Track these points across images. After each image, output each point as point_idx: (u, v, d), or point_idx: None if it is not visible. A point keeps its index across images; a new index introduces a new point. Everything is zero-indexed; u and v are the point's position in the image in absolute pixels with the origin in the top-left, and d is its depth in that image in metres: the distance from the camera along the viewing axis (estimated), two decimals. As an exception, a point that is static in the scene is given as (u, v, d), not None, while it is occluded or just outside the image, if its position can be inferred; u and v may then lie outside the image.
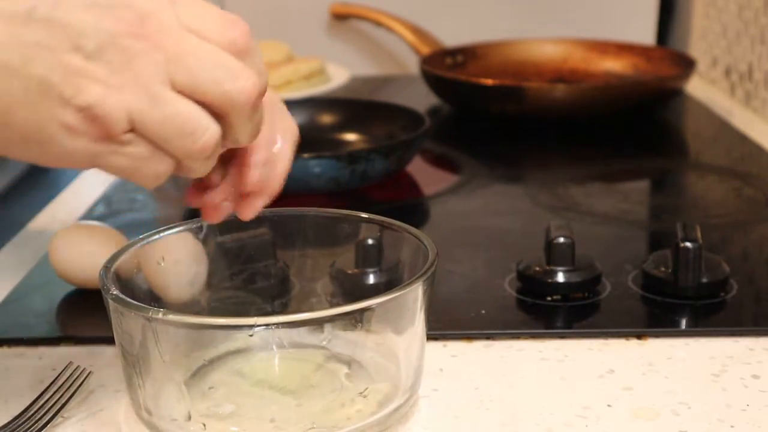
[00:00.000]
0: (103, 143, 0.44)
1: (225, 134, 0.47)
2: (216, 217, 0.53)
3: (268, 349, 0.53)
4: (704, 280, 0.65)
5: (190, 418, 0.50)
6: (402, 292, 0.49)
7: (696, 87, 1.29)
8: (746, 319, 0.64)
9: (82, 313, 0.66)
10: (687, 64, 1.17)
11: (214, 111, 0.46)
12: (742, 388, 0.56)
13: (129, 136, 0.44)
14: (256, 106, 0.46)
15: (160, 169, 0.46)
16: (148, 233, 0.57)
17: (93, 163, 0.45)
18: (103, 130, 0.43)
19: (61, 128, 0.43)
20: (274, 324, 0.48)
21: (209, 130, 0.45)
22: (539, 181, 0.94)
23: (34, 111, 0.43)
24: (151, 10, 0.44)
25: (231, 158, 0.52)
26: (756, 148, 1.03)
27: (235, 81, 0.45)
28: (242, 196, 0.53)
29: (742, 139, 1.06)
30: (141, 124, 0.44)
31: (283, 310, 0.62)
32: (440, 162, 1.03)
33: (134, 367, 0.50)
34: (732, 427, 0.52)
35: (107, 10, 0.43)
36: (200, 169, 0.47)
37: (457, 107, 1.18)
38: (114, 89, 0.43)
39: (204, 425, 0.49)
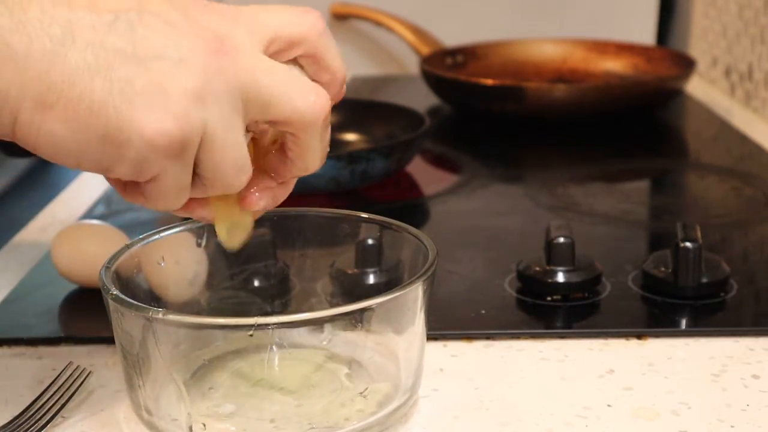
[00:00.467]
0: (173, 160, 0.43)
1: (295, 161, 0.48)
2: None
3: (268, 349, 0.53)
4: (704, 280, 0.65)
5: (190, 418, 0.50)
6: (402, 292, 0.49)
7: (696, 87, 1.29)
8: (746, 319, 0.64)
9: (82, 313, 0.66)
10: (687, 64, 1.17)
11: (287, 133, 0.47)
12: (742, 388, 0.56)
13: (190, 160, 0.44)
14: (326, 123, 0.47)
15: (182, 196, 0.46)
16: (148, 233, 0.57)
17: (152, 176, 0.44)
18: (181, 145, 0.43)
19: (141, 133, 0.42)
20: (274, 324, 0.48)
21: (250, 170, 0.46)
22: (539, 181, 0.94)
23: (116, 113, 0.42)
24: (227, 30, 0.45)
25: None
26: (756, 148, 1.03)
27: (306, 97, 0.46)
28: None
29: (742, 139, 1.06)
30: (206, 146, 0.44)
31: (283, 310, 0.62)
32: (440, 162, 1.03)
33: (134, 367, 0.50)
34: (732, 427, 0.52)
35: (187, 28, 0.44)
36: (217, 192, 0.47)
37: (457, 107, 1.18)
38: (196, 103, 0.43)
39: (204, 425, 0.49)
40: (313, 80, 0.48)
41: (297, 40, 0.48)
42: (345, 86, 0.52)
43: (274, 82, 0.45)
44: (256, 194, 0.50)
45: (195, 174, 0.45)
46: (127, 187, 0.47)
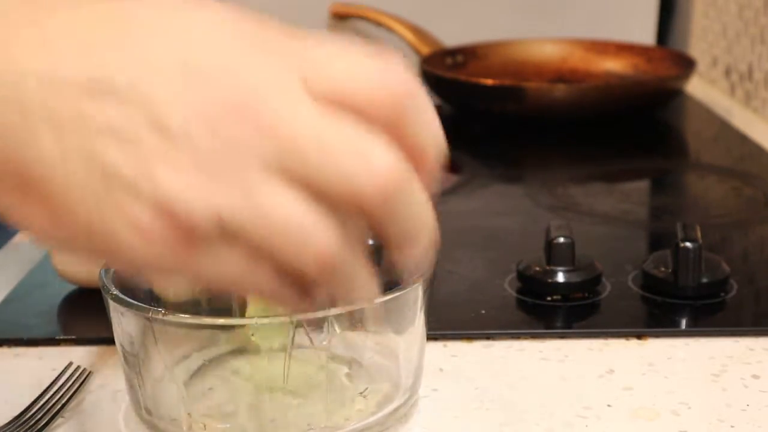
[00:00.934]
0: (186, 251, 0.34)
1: (383, 239, 0.37)
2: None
3: (267, 348, 0.53)
4: (704, 280, 0.65)
5: (190, 418, 0.50)
6: (402, 292, 0.49)
7: (696, 87, 1.29)
8: (746, 319, 0.64)
9: (82, 313, 0.66)
10: (687, 64, 1.17)
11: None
12: (742, 388, 0.56)
13: (217, 240, 0.34)
14: (404, 192, 0.36)
15: (265, 276, 0.35)
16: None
17: (187, 272, 0.35)
18: (183, 233, 0.33)
19: (128, 226, 0.33)
20: (274, 324, 0.48)
21: (325, 234, 0.34)
22: (539, 181, 0.94)
23: (97, 204, 0.33)
24: (261, 81, 0.34)
25: None
26: (756, 148, 1.02)
27: (364, 166, 0.34)
28: None
29: (742, 139, 1.06)
30: (235, 227, 0.33)
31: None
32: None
33: (134, 367, 0.50)
34: (732, 427, 0.52)
35: (203, 80, 0.33)
36: (328, 290, 0.37)
37: (457, 107, 1.18)
38: (202, 182, 0.33)
39: (204, 425, 0.49)
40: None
41: (366, 106, 0.35)
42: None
43: (319, 145, 0.33)
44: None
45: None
46: None
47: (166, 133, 0.33)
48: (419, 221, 0.37)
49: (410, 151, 0.37)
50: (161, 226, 0.33)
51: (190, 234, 0.33)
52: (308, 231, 0.34)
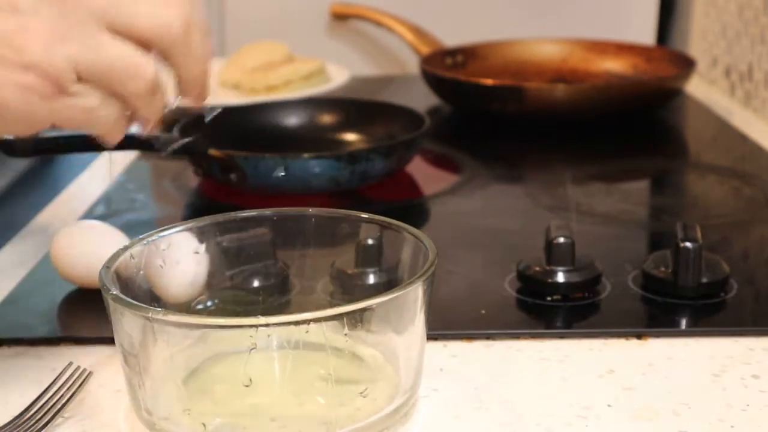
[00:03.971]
0: (56, 98, 0.46)
1: (177, 79, 0.52)
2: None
3: (267, 348, 0.53)
4: (704, 280, 0.65)
5: (190, 417, 0.50)
6: (402, 292, 0.49)
7: (696, 87, 1.29)
8: (746, 319, 0.64)
9: (82, 313, 0.66)
10: (687, 64, 1.17)
11: (155, 51, 0.50)
12: (742, 388, 0.56)
13: (79, 87, 0.47)
14: (189, 30, 0.50)
15: (111, 115, 0.49)
16: (148, 233, 0.57)
17: (50, 120, 0.47)
18: (54, 85, 0.46)
19: (13, 89, 0.45)
20: (274, 324, 0.48)
21: (150, 66, 0.49)
22: (539, 181, 0.94)
23: None
24: None
25: None
26: (756, 148, 1.03)
27: (167, 8, 0.49)
28: None
29: (742, 139, 1.06)
30: (87, 73, 0.47)
31: (283, 310, 0.62)
32: (440, 162, 1.03)
33: (134, 367, 0.50)
34: (732, 427, 0.52)
35: None
36: (151, 109, 0.50)
37: (457, 107, 1.18)
38: (56, 42, 0.46)
39: (204, 425, 0.49)
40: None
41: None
42: (205, 88, 0.55)
43: (132, 3, 0.48)
44: None
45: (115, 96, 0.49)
46: None
47: (21, 10, 0.45)
48: (201, 63, 0.52)
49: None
50: (35, 82, 0.45)
51: (57, 83, 0.46)
52: (139, 63, 0.48)
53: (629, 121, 1.12)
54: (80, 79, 0.47)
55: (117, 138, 0.51)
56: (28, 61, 0.45)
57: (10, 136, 0.72)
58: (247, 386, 0.50)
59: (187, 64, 0.51)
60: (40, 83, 0.46)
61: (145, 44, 0.49)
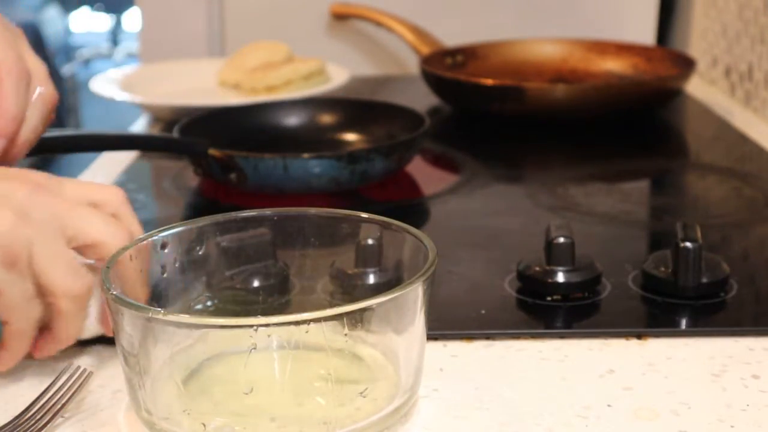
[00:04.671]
0: (8, 270, 0.51)
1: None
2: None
3: (267, 348, 0.53)
4: (704, 280, 0.65)
5: (189, 417, 0.50)
6: (402, 292, 0.49)
7: (696, 87, 1.29)
8: (746, 319, 0.64)
9: (82, 313, 0.66)
10: (687, 64, 1.17)
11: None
12: (742, 388, 0.56)
13: (26, 272, 0.52)
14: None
15: (35, 310, 0.54)
16: (148, 233, 0.57)
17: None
18: (10, 257, 0.51)
19: None
20: (273, 324, 0.48)
21: (88, 273, 0.54)
22: (539, 181, 0.94)
23: None
24: (43, 179, 0.55)
25: None
26: (756, 148, 1.03)
27: (106, 225, 0.56)
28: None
29: (742, 139, 1.06)
30: (36, 260, 0.52)
31: (283, 310, 0.62)
32: (440, 162, 1.03)
33: (134, 367, 0.50)
34: (732, 427, 0.52)
35: (11, 178, 0.54)
36: (72, 310, 0.54)
37: (457, 107, 1.18)
38: (20, 223, 0.51)
39: (204, 425, 0.49)
40: None
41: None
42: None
43: (85, 215, 0.55)
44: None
45: (42, 294, 0.53)
46: None
47: None
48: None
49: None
50: None
51: (13, 256, 0.51)
52: (80, 267, 0.55)
53: (629, 121, 1.12)
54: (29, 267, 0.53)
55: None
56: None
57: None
58: (246, 386, 0.50)
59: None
60: (2, 252, 0.51)
61: (88, 248, 0.55)
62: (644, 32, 1.43)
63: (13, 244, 0.51)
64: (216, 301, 0.60)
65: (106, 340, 0.60)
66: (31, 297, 0.53)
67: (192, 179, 0.93)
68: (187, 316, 0.55)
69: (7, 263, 0.51)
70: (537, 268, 0.66)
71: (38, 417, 0.52)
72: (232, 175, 0.84)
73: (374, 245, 0.61)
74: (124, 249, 0.54)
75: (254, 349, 0.51)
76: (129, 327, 0.49)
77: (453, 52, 1.28)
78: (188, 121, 0.94)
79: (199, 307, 0.60)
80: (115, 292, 0.49)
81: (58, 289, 0.53)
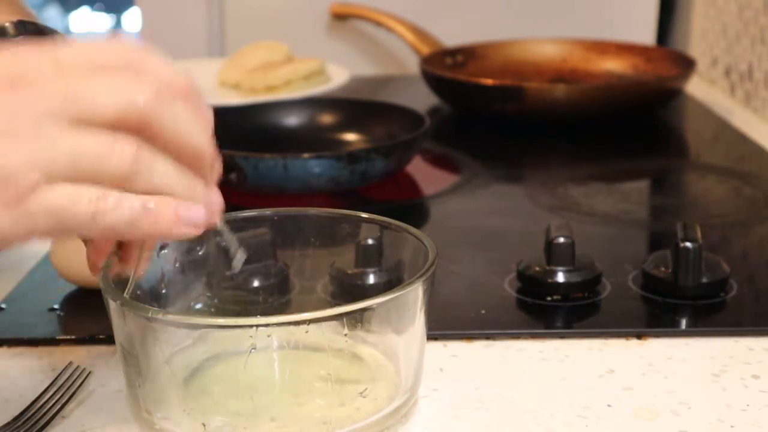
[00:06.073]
0: (19, 204, 0.42)
1: (169, 139, 0.44)
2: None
3: (267, 348, 0.53)
4: (704, 280, 0.65)
5: (189, 417, 0.50)
6: (402, 292, 0.49)
7: (696, 87, 1.29)
8: (746, 319, 0.64)
9: (82, 313, 0.66)
10: (687, 64, 1.17)
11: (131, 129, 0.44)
12: (742, 388, 0.56)
13: (46, 187, 0.42)
14: (162, 98, 0.44)
15: (90, 201, 0.43)
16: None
17: (18, 230, 0.42)
18: (15, 190, 0.41)
19: None
20: (273, 324, 0.48)
21: (124, 143, 0.43)
22: (539, 181, 0.94)
23: None
24: (24, 57, 0.43)
25: None
26: (756, 148, 1.03)
27: (128, 83, 0.43)
28: None
29: (742, 139, 1.06)
30: (50, 171, 0.42)
31: (283, 310, 0.62)
32: (440, 162, 1.03)
33: (134, 367, 0.50)
34: (732, 427, 0.52)
35: None
36: (140, 186, 0.44)
37: (457, 107, 1.18)
38: (10, 146, 0.41)
39: (204, 425, 0.49)
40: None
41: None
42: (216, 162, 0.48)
43: (89, 90, 0.43)
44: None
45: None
46: None
47: None
48: (192, 134, 0.46)
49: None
50: None
51: (17, 188, 0.41)
52: (107, 145, 0.43)
53: (629, 121, 1.12)
54: (49, 179, 0.42)
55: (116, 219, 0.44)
56: None
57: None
58: (246, 386, 0.50)
59: (174, 137, 0.45)
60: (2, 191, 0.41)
61: (118, 127, 0.43)
62: (644, 32, 1.43)
63: (11, 174, 0.42)
64: (216, 301, 0.60)
65: (106, 340, 0.61)
66: (75, 192, 0.43)
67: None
68: (187, 316, 0.55)
69: (14, 198, 0.42)
70: (537, 268, 0.66)
71: (38, 417, 0.52)
72: (232, 175, 0.84)
73: (374, 245, 0.61)
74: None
75: (254, 349, 0.51)
76: (129, 327, 0.49)
77: (453, 52, 1.28)
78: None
79: (199, 307, 0.60)
80: (115, 292, 0.49)
81: (102, 178, 0.43)
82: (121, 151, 0.43)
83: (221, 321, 0.52)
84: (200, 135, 0.46)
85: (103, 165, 0.43)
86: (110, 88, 0.43)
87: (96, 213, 0.43)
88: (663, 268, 0.66)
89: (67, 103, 0.42)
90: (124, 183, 0.44)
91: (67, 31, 5.06)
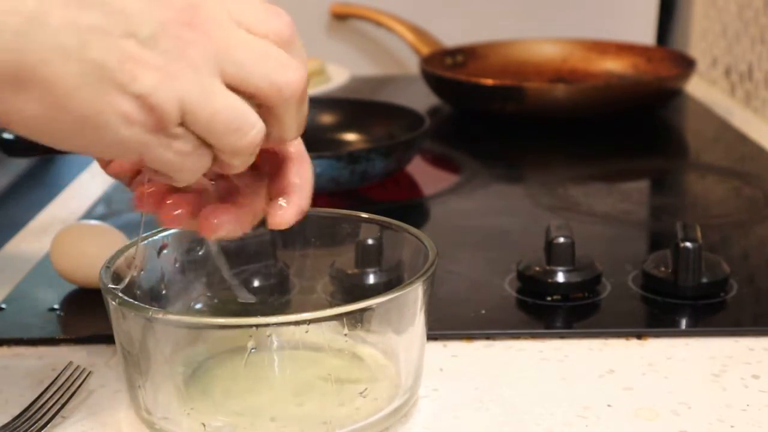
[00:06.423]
0: (155, 134, 0.43)
1: (271, 131, 0.47)
2: (209, 230, 0.50)
3: (267, 348, 0.53)
4: (704, 280, 0.65)
5: (190, 417, 0.50)
6: (402, 292, 0.49)
7: (696, 87, 1.29)
8: (746, 319, 0.64)
9: (82, 313, 0.66)
10: (687, 64, 1.17)
11: (261, 105, 0.45)
12: (742, 388, 0.56)
13: (179, 130, 0.43)
14: (303, 97, 0.47)
15: (200, 164, 0.45)
16: (148, 233, 0.57)
17: (141, 153, 0.44)
18: (157, 121, 0.42)
19: (116, 115, 0.42)
20: (273, 324, 0.48)
21: (256, 126, 0.45)
22: (539, 181, 0.94)
23: (91, 95, 0.41)
24: (201, 1, 0.44)
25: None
26: (756, 148, 1.03)
27: (284, 72, 0.45)
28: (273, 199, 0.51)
29: (742, 139, 1.06)
30: (191, 117, 0.43)
31: (283, 310, 0.62)
32: (440, 162, 1.03)
33: (134, 367, 0.50)
34: (732, 427, 0.52)
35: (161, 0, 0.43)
36: (240, 165, 0.46)
37: (457, 107, 1.18)
38: (168, 78, 0.42)
39: (204, 425, 0.49)
40: None
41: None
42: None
43: (251, 56, 0.44)
44: (215, 221, 0.49)
45: (208, 146, 0.45)
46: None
47: (139, 39, 0.41)
48: (303, 120, 0.49)
49: None
50: (141, 113, 0.42)
51: (160, 120, 0.42)
52: (244, 118, 0.44)
53: (629, 121, 1.12)
54: (182, 123, 0.43)
55: (188, 183, 0.46)
56: (138, 90, 0.41)
57: (10, 136, 0.72)
58: (246, 386, 0.50)
59: (287, 135, 0.48)
60: (144, 116, 0.42)
61: (251, 98, 0.45)
62: (644, 32, 1.43)
63: (159, 106, 0.42)
64: (216, 301, 0.60)
65: (106, 340, 0.61)
66: (193, 150, 0.45)
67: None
68: (187, 316, 0.55)
69: (150, 130, 0.43)
70: (537, 268, 0.66)
71: (38, 417, 0.52)
72: (232, 175, 0.84)
73: (374, 245, 0.61)
74: (125, 248, 0.54)
75: (254, 349, 0.51)
76: (129, 327, 0.49)
77: (453, 52, 1.28)
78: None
79: (199, 307, 0.60)
80: (115, 292, 0.49)
81: (221, 148, 0.45)
82: (249, 128, 0.45)
83: (221, 321, 0.52)
84: (300, 144, 0.51)
85: (231, 133, 0.44)
86: (271, 64, 0.45)
87: (196, 175, 0.46)
88: (663, 268, 0.66)
89: (228, 60, 0.43)
90: (231, 157, 0.46)
91: None
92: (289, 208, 0.50)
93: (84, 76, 0.41)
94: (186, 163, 0.45)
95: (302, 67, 0.46)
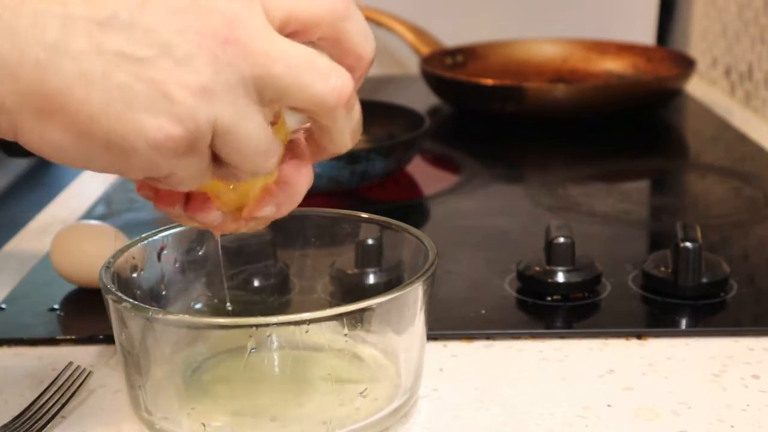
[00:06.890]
0: (184, 156, 0.41)
1: (324, 143, 0.46)
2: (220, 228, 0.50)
3: (267, 348, 0.53)
4: (704, 280, 0.65)
5: (190, 418, 0.50)
6: (402, 292, 0.49)
7: (696, 87, 1.29)
8: (746, 319, 0.64)
9: (82, 313, 0.66)
10: (687, 64, 1.17)
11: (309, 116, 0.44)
12: (742, 388, 0.56)
13: (206, 151, 0.42)
14: (350, 104, 0.44)
15: (206, 177, 0.44)
16: (148, 233, 0.57)
17: (167, 172, 0.43)
18: (190, 143, 0.41)
19: (145, 139, 0.40)
20: (273, 324, 0.48)
21: (278, 151, 0.44)
22: (539, 181, 0.94)
23: (116, 120, 0.40)
24: (238, 12, 0.41)
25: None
26: (756, 148, 1.03)
27: (325, 81, 0.42)
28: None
29: (742, 139, 1.06)
30: (221, 139, 0.42)
31: (283, 310, 0.62)
32: (440, 162, 1.03)
33: (134, 367, 0.50)
34: (732, 427, 0.52)
35: (194, 15, 0.41)
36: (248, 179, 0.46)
37: (457, 107, 1.18)
38: (205, 100, 0.40)
39: (204, 425, 0.49)
40: (337, 62, 0.45)
41: (313, 24, 0.44)
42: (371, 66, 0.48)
43: (289, 69, 0.42)
44: (259, 203, 0.48)
45: (222, 161, 0.43)
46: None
47: (175, 58, 0.40)
48: (355, 127, 0.47)
49: (349, 57, 0.46)
50: (174, 135, 0.40)
51: (193, 142, 0.41)
52: (270, 146, 0.43)
53: (629, 121, 1.12)
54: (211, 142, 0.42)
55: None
56: (174, 112, 0.40)
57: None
58: (246, 386, 0.50)
59: (338, 141, 0.46)
60: (178, 137, 0.40)
61: (294, 111, 0.44)
62: (644, 32, 1.43)
63: (190, 133, 0.41)
64: (216, 301, 0.60)
65: (106, 340, 0.61)
66: (202, 175, 0.44)
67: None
68: (187, 316, 0.55)
69: (180, 154, 0.41)
70: (537, 268, 0.66)
71: (38, 417, 0.52)
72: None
73: (374, 245, 0.61)
74: (125, 248, 0.54)
75: (254, 349, 0.51)
76: (129, 327, 0.49)
77: (453, 52, 1.28)
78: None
79: (199, 307, 0.60)
80: (115, 292, 0.49)
81: (245, 168, 0.44)
82: (272, 156, 0.44)
83: (221, 321, 0.52)
84: (303, 146, 0.48)
85: (254, 158, 0.43)
86: (310, 75, 0.42)
87: (187, 184, 0.44)
88: (663, 268, 0.66)
89: (265, 75, 0.41)
90: (247, 176, 0.45)
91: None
92: (266, 205, 0.49)
93: (109, 103, 0.40)
94: (195, 178, 0.44)
95: (345, 73, 0.44)
